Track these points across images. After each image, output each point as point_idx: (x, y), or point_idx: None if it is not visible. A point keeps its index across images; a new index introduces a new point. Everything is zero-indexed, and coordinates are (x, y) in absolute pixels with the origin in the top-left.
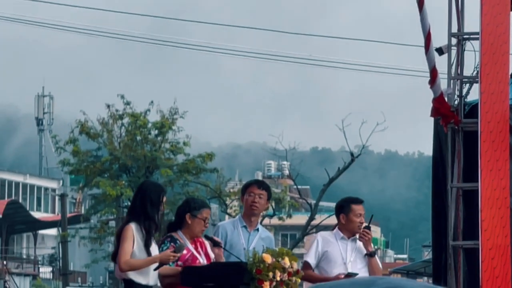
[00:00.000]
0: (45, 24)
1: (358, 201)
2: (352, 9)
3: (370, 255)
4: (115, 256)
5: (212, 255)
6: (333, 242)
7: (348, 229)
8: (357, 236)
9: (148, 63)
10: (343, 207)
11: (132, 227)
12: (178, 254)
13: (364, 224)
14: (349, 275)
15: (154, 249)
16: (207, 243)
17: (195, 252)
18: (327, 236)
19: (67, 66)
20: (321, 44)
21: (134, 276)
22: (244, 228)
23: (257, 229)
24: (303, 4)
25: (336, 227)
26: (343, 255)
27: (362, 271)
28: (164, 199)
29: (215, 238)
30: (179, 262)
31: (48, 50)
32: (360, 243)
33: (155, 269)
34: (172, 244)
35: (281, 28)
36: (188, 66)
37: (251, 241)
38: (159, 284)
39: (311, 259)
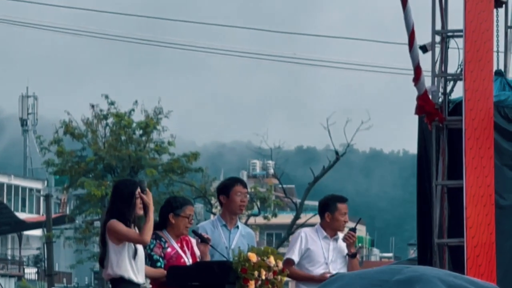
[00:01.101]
0: (29, 24)
1: (343, 200)
2: (337, 7)
3: (351, 256)
4: (102, 260)
5: (198, 253)
6: (316, 240)
7: (332, 228)
8: (340, 236)
9: (134, 63)
10: (329, 205)
11: (115, 220)
12: (145, 187)
13: (350, 227)
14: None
15: (140, 246)
16: (193, 241)
17: (180, 251)
18: (310, 234)
19: (52, 66)
20: (306, 42)
21: (124, 273)
22: (224, 226)
23: (237, 227)
24: (289, 3)
25: (318, 224)
26: (325, 255)
27: (342, 271)
28: (139, 192)
29: (203, 234)
30: (164, 261)
31: (32, 50)
32: (341, 243)
33: (145, 262)
34: (157, 241)
35: (266, 27)
36: (174, 66)
37: (232, 239)
38: (147, 284)
39: (295, 256)
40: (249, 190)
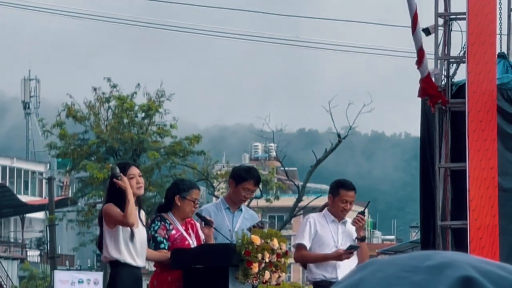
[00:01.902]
0: (32, 7)
1: (349, 188)
2: None
3: (361, 239)
4: (100, 242)
5: (203, 236)
6: (324, 224)
7: (331, 211)
8: (349, 220)
9: (138, 46)
10: (333, 189)
11: (111, 204)
12: (118, 172)
13: (359, 210)
14: (351, 248)
15: (141, 230)
16: (198, 224)
17: (184, 233)
18: (318, 218)
19: (54, 49)
20: (309, 25)
21: (119, 256)
22: (228, 209)
23: (241, 209)
24: None
25: (325, 208)
26: (334, 238)
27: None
28: (132, 172)
29: (207, 217)
30: (168, 243)
31: (35, 33)
32: (349, 226)
33: (148, 243)
34: (162, 223)
35: (269, 10)
36: (177, 49)
37: (236, 222)
38: (151, 267)
39: (305, 241)
40: None
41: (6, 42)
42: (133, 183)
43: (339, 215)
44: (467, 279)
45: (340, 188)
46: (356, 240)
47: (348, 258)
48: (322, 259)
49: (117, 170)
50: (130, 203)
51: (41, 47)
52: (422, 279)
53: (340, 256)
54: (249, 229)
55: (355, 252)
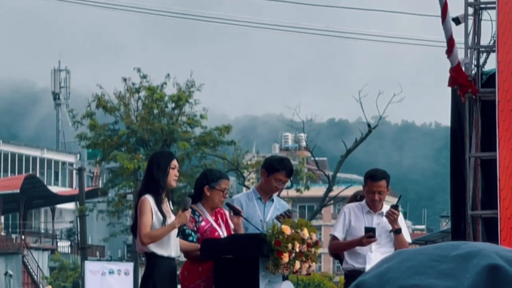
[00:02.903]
0: None
1: (375, 178)
2: None
3: (395, 232)
4: (134, 228)
5: (232, 225)
6: (359, 215)
7: (366, 202)
8: (384, 212)
9: (169, 36)
10: (364, 180)
11: (148, 198)
12: (189, 210)
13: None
14: (367, 231)
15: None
16: (227, 214)
17: (214, 224)
18: (354, 208)
19: (84, 40)
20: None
21: (155, 248)
22: (259, 200)
23: (272, 200)
24: None
25: (364, 199)
26: None
27: (387, 246)
28: (174, 163)
29: (236, 206)
30: (198, 234)
31: (65, 24)
32: (385, 218)
33: (177, 236)
34: (191, 215)
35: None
36: (207, 39)
37: (267, 212)
38: (182, 257)
39: (338, 233)
40: None
41: (37, 33)
42: (173, 174)
43: (371, 206)
44: (495, 267)
45: (367, 179)
46: (391, 232)
47: (369, 242)
48: (347, 246)
49: (189, 203)
50: (164, 233)
51: (71, 38)
52: (449, 268)
53: (360, 241)
54: (277, 218)
55: (391, 245)
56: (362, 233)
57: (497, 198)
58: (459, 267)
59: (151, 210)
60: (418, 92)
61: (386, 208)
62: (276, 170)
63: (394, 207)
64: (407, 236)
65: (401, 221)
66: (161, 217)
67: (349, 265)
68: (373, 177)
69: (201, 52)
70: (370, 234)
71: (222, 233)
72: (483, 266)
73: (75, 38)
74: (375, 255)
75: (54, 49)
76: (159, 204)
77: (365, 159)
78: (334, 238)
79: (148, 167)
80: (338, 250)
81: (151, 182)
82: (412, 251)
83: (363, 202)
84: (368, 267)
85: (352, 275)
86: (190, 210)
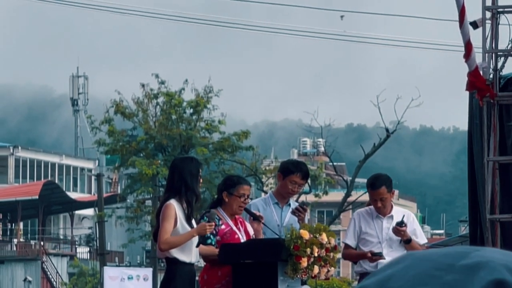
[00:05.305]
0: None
1: (374, 187)
2: None
3: (406, 242)
4: (156, 234)
5: (251, 232)
6: (369, 221)
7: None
8: (395, 216)
9: (189, 43)
10: (366, 188)
11: (174, 204)
12: (213, 223)
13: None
14: (374, 254)
15: (194, 226)
16: (247, 223)
17: (234, 228)
18: (364, 214)
19: (102, 46)
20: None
21: (177, 254)
22: (276, 204)
23: (289, 204)
24: None
25: None
26: (378, 235)
27: (399, 250)
28: (201, 171)
29: (256, 212)
30: (217, 237)
31: (84, 31)
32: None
33: (197, 246)
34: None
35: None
36: (226, 45)
37: (284, 217)
38: (201, 263)
39: (349, 240)
40: None
41: (56, 40)
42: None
43: (378, 212)
44: (500, 282)
45: (368, 188)
46: (401, 243)
47: (377, 260)
48: (357, 258)
49: (215, 217)
50: (182, 240)
51: (90, 45)
52: (454, 279)
53: (369, 257)
54: (292, 212)
55: (403, 249)
56: (372, 238)
57: None
58: (464, 280)
59: (175, 215)
60: (436, 97)
61: (395, 210)
62: (291, 172)
63: (400, 224)
64: (421, 238)
65: (415, 223)
66: (186, 226)
67: (362, 268)
68: (372, 185)
69: (219, 58)
70: (379, 257)
71: (242, 237)
72: (489, 281)
73: (94, 44)
74: (387, 260)
75: (73, 55)
76: (182, 208)
77: (383, 164)
78: (346, 246)
79: (175, 173)
80: (349, 259)
81: (179, 186)
82: (420, 256)
83: (372, 206)
84: None
85: (364, 278)
86: (213, 224)
